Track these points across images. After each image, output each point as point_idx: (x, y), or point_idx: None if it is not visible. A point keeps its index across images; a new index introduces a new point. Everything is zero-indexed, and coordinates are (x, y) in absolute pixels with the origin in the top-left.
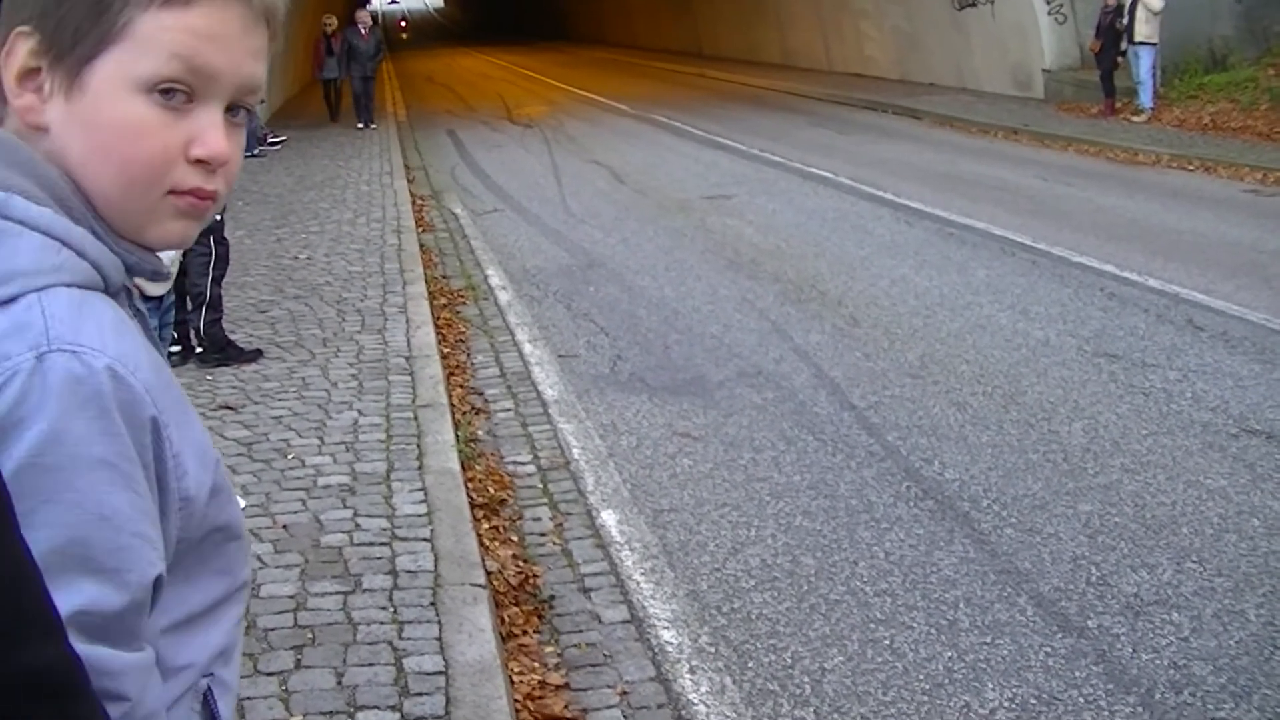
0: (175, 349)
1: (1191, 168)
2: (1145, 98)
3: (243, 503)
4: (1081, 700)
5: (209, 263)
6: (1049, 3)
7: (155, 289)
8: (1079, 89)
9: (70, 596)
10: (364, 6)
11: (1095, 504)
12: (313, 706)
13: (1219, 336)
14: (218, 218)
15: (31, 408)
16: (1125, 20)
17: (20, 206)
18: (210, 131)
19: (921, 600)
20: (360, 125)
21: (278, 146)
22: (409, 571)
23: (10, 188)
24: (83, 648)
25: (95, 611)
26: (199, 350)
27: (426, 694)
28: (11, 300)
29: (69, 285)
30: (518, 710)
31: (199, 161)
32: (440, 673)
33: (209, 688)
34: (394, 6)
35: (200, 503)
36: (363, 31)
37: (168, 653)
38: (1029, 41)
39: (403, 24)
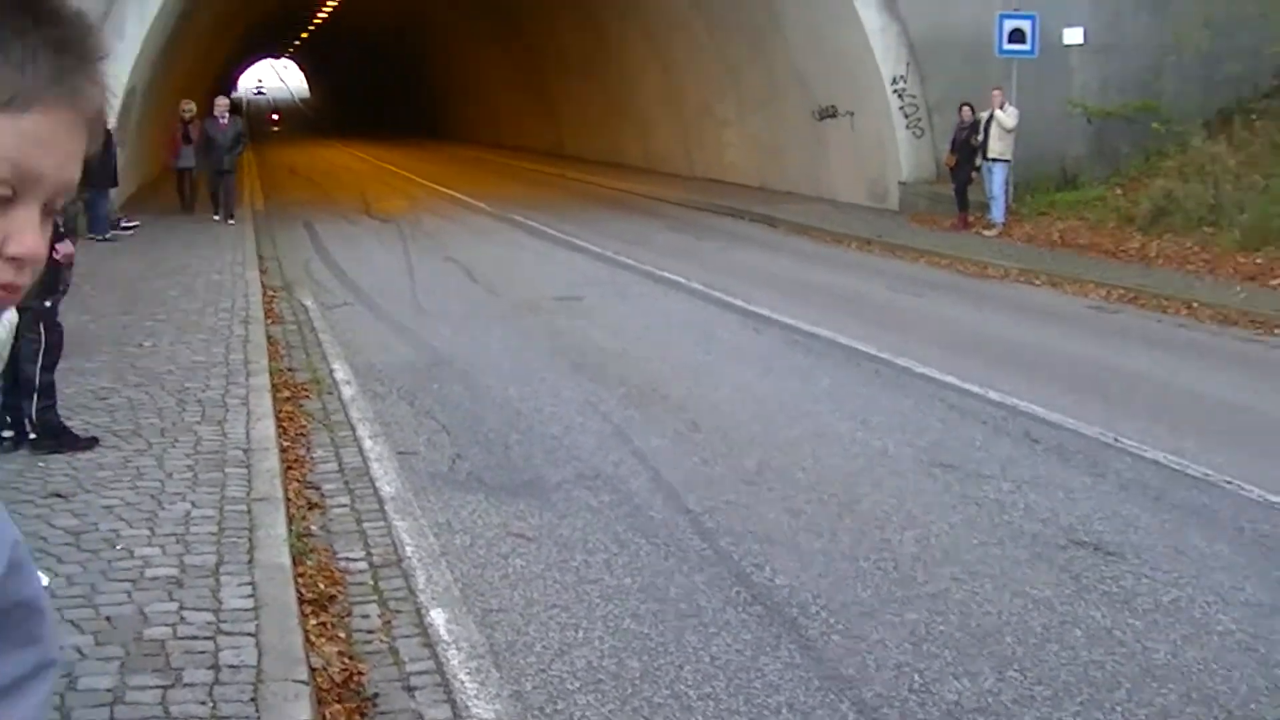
0: (7, 434)
1: (1039, 283)
2: (997, 213)
3: (45, 580)
4: None
5: (39, 350)
6: (907, 117)
7: None
8: (933, 202)
9: None
10: (225, 94)
11: (923, 612)
12: None
13: (1054, 449)
14: (47, 304)
15: None
16: (980, 136)
17: None
18: (28, 231)
19: (744, 705)
20: (217, 219)
21: (130, 232)
22: (231, 666)
23: None
24: None
25: None
26: (32, 437)
27: None
28: None
29: None
30: None
31: (12, 259)
32: None
33: None
34: (260, 96)
35: None
36: (220, 121)
37: None
38: (886, 154)
39: (274, 116)
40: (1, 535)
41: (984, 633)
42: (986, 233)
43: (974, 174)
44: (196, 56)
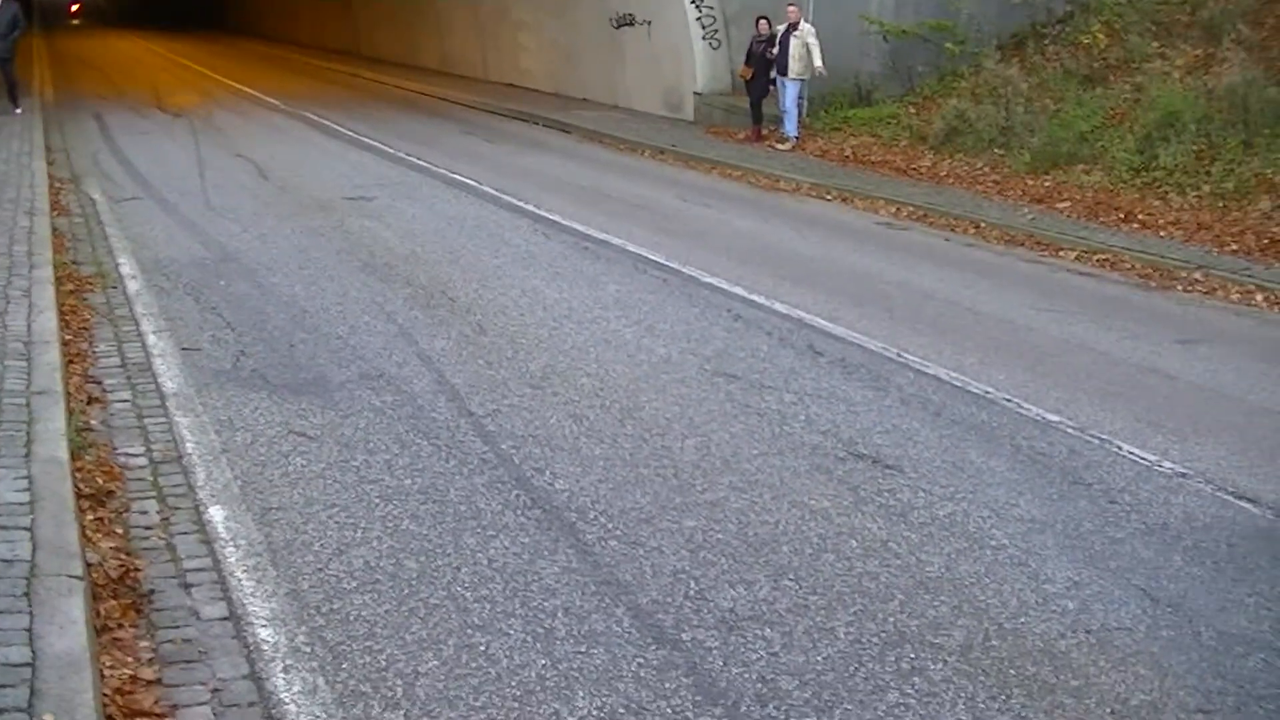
0: None
1: (830, 198)
2: (790, 127)
3: None
4: (669, 711)
5: None
6: (704, 28)
7: None
8: (728, 114)
9: None
10: None
11: (700, 520)
12: None
13: (837, 362)
14: None
15: None
16: (775, 50)
17: None
18: None
19: (520, 608)
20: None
21: None
22: (4, 560)
23: None
24: None
25: None
26: None
27: (10, 685)
28: None
29: None
30: (105, 705)
31: None
32: (28, 664)
33: None
34: None
35: None
36: None
37: None
38: (682, 64)
39: (74, 8)
40: None
41: (761, 542)
42: (780, 146)
43: (770, 88)
44: None
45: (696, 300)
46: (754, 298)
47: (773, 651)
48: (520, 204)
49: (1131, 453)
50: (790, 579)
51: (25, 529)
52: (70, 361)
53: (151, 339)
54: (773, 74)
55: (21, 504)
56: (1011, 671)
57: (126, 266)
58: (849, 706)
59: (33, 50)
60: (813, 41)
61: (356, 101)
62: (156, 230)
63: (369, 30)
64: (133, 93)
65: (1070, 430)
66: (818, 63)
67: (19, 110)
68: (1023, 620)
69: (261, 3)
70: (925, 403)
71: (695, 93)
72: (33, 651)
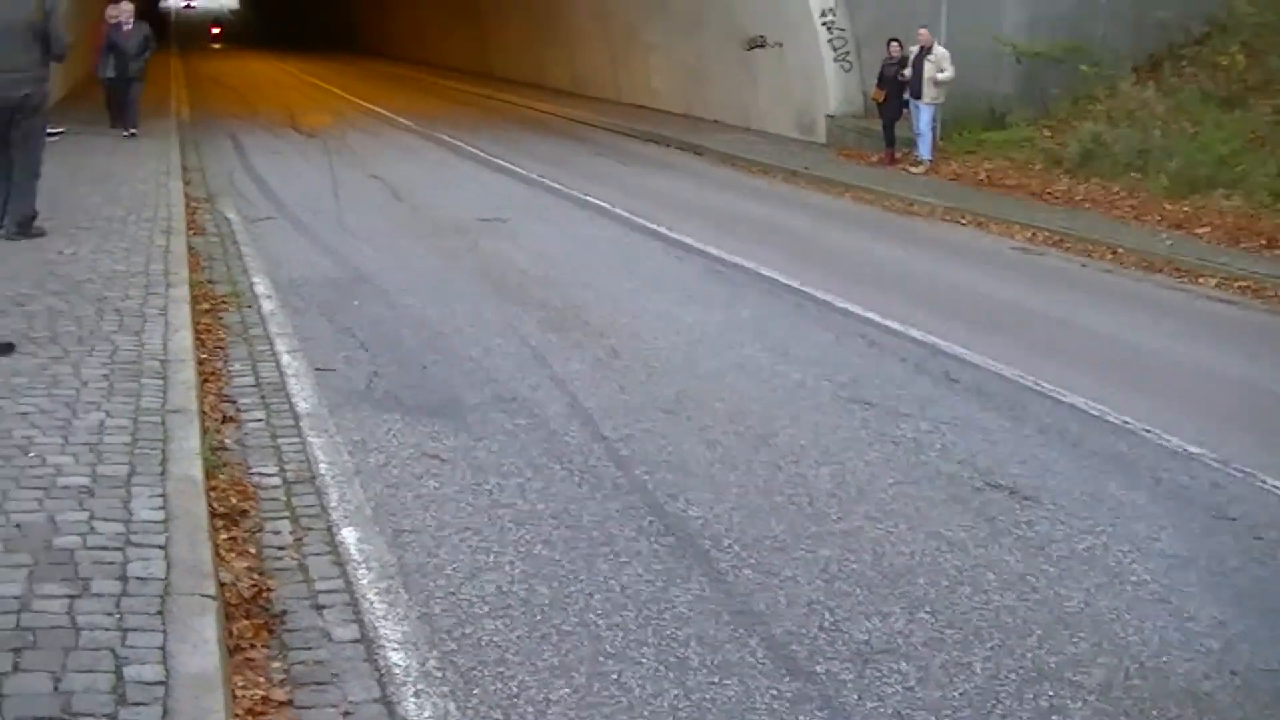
0: None
1: (964, 222)
2: (924, 150)
3: None
4: None
5: None
6: (835, 50)
7: None
8: (861, 136)
9: None
10: None
11: (835, 549)
12: (26, 711)
13: (973, 390)
14: None
15: None
16: (908, 72)
17: None
18: None
19: (653, 636)
20: (120, 131)
21: (55, 138)
22: (139, 578)
23: None
24: None
25: None
26: None
27: (144, 704)
28: None
29: None
30: None
31: None
32: (160, 683)
33: None
34: (189, 10)
35: None
36: (125, 27)
37: None
38: (814, 86)
39: (216, 30)
40: None
41: (896, 573)
42: (913, 169)
43: (903, 110)
44: None
45: (830, 325)
46: (888, 323)
47: (908, 686)
48: (653, 226)
49: (1277, 487)
50: (926, 611)
51: (160, 547)
52: (205, 380)
53: (286, 359)
54: (905, 96)
55: (156, 522)
56: (1154, 712)
57: (261, 286)
58: None
59: (170, 70)
60: (947, 68)
61: (487, 122)
62: (291, 250)
63: (499, 51)
64: (267, 113)
65: (1213, 463)
66: (947, 77)
67: (134, 132)
68: (1165, 659)
69: (393, 25)
70: (1063, 432)
71: (828, 115)
72: (166, 670)
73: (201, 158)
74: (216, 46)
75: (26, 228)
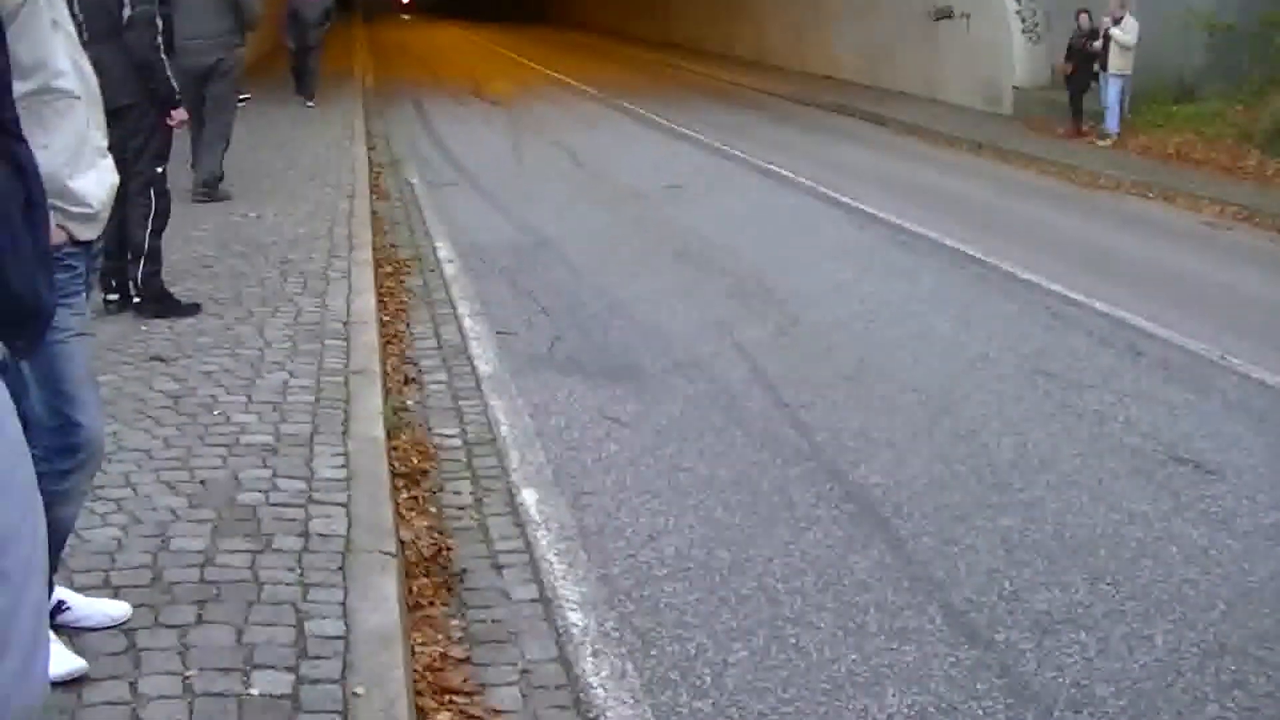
0: (113, 298)
1: (1151, 196)
2: (1111, 123)
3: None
4: (980, 713)
5: (148, 215)
6: (1024, 21)
7: (86, 233)
8: (1048, 108)
9: None
10: None
11: (1016, 519)
12: (209, 662)
13: (1158, 364)
14: (158, 169)
15: None
16: (1098, 44)
17: None
18: None
19: (832, 601)
20: (302, 99)
21: (241, 104)
22: (321, 535)
23: None
24: None
25: None
26: (137, 301)
27: (325, 658)
28: None
29: None
30: (415, 681)
31: None
32: (340, 638)
33: None
34: None
35: None
36: None
37: None
38: (1001, 58)
39: (406, 1)
40: None
41: (1077, 544)
42: (1100, 143)
43: (1092, 83)
44: None
45: (1014, 297)
46: (1073, 295)
47: (1088, 657)
48: (834, 195)
49: None
50: (1107, 583)
51: (342, 505)
52: (388, 342)
53: (467, 322)
54: (1094, 69)
55: (339, 480)
56: None
57: (443, 250)
58: (1166, 717)
59: (354, 40)
60: (1129, 37)
61: (670, 91)
62: (473, 215)
63: (682, 21)
64: (451, 80)
65: None
66: (1129, 40)
67: (312, 104)
68: None
69: None
70: (1249, 409)
71: (1014, 87)
72: (346, 625)
73: (386, 124)
74: (406, 17)
75: (212, 189)
